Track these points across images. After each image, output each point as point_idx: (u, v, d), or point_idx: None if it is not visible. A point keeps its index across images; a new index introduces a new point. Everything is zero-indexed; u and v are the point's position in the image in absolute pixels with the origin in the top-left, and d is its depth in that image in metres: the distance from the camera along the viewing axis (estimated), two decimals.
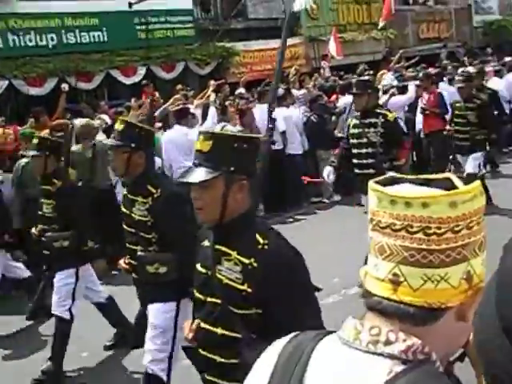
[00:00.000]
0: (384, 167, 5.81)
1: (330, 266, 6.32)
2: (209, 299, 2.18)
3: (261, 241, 2.10)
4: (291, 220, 9.17)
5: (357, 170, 6.19)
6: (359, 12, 18.31)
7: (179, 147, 8.00)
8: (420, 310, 0.97)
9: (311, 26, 16.81)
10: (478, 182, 1.02)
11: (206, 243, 2.25)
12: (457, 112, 8.46)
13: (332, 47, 13.47)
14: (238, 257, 2.11)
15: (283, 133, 9.35)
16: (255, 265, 2.07)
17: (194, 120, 8.58)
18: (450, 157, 8.74)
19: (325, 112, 9.78)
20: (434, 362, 0.97)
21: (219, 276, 2.14)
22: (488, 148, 8.53)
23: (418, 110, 10.09)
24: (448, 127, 8.67)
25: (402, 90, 10.12)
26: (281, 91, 9.85)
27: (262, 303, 2.04)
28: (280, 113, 9.44)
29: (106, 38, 12.90)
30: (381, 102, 9.71)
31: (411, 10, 20.41)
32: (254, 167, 2.27)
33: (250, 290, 2.05)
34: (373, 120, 5.98)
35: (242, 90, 10.94)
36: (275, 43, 15.64)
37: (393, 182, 1.04)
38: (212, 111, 8.84)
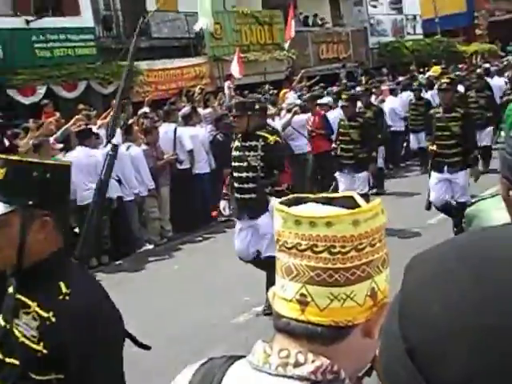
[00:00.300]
0: (265, 192, 5.61)
1: (241, 284, 6.33)
2: (7, 359, 1.76)
3: (63, 290, 1.72)
4: (200, 239, 9.14)
5: (237, 195, 5.92)
6: (261, 33, 18.70)
7: (83, 169, 7.76)
8: (328, 329, 0.97)
9: (215, 46, 16.96)
10: (378, 200, 1.04)
11: (10, 290, 1.82)
12: (341, 130, 8.56)
13: (234, 67, 13.62)
14: (38, 309, 1.73)
15: (190, 152, 9.33)
16: (53, 320, 1.69)
17: (97, 140, 8.37)
18: (336, 174, 8.72)
19: (231, 131, 9.83)
20: (342, 380, 0.98)
21: (16, 332, 1.75)
22: (374, 166, 8.67)
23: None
24: (333, 145, 8.79)
25: (305, 108, 10.37)
26: (187, 110, 9.86)
27: (61, 367, 1.67)
28: (186, 132, 9.45)
29: (1, 56, 12.36)
30: (284, 120, 9.98)
31: (311, 32, 21.11)
32: (62, 200, 1.86)
33: (45, 350, 1.67)
34: (253, 143, 5.67)
35: (146, 109, 10.82)
36: (180, 62, 15.69)
37: (297, 201, 1.04)
38: (116, 131, 8.65)
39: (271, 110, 9.98)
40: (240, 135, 5.90)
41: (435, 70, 16.28)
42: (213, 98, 12.44)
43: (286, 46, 16.12)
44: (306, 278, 0.98)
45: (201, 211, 9.50)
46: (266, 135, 5.73)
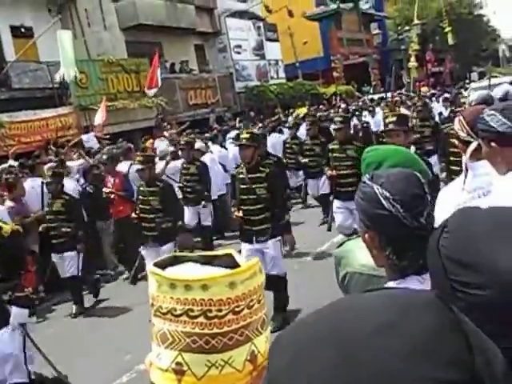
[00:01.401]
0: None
1: (120, 342, 6.11)
2: None
3: None
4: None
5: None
6: (128, 80, 18.62)
7: None
8: None
9: (81, 95, 16.61)
10: (256, 259, 1.01)
11: None
12: (141, 197, 7.41)
13: (98, 116, 13.35)
14: None
15: None
16: None
17: None
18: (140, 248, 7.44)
19: (100, 182, 9.54)
20: None
21: None
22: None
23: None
24: (134, 215, 7.49)
25: (176, 155, 10.20)
26: (53, 164, 9.46)
27: None
28: None
29: None
30: (158, 169, 9.83)
31: (178, 78, 21.39)
32: None
33: None
34: None
35: (11, 163, 10.26)
36: (44, 113, 15.13)
37: (175, 261, 1.00)
38: None
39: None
40: None
41: (302, 111, 17.11)
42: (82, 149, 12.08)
43: (151, 93, 16.12)
44: (181, 345, 0.93)
45: None
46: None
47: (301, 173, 11.94)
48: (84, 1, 20.11)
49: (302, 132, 12.58)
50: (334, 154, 7.57)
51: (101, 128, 13.08)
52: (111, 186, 9.16)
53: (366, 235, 1.65)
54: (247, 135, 6.16)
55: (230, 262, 0.99)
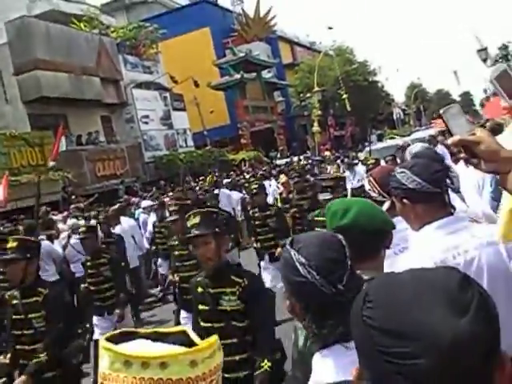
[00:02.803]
0: None
1: None
2: None
3: None
4: None
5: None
6: (32, 154, 18.07)
7: None
8: None
9: None
10: (215, 337, 0.95)
11: None
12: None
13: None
14: None
15: None
16: None
17: None
18: None
19: None
20: None
21: None
22: None
23: None
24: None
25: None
26: None
27: None
28: None
29: None
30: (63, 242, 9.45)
31: (85, 150, 21.00)
32: None
33: None
34: None
35: None
36: None
37: (125, 337, 0.92)
38: None
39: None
40: None
41: (210, 181, 17.16)
42: None
43: (50, 164, 15.61)
44: None
45: None
46: None
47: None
48: None
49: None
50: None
51: (3, 204, 12.49)
52: None
53: (288, 302, 1.59)
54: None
55: (184, 340, 0.92)
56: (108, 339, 0.91)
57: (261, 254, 7.90)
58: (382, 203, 2.41)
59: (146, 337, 0.94)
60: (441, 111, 1.51)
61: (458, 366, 0.75)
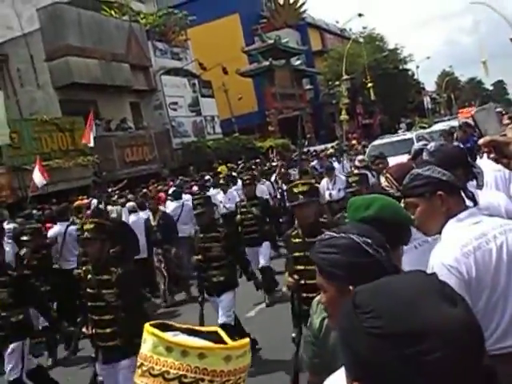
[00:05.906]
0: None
1: None
2: None
3: None
4: None
5: None
6: (63, 139, 18.37)
7: None
8: None
9: (13, 156, 16.21)
10: (247, 340, 1.01)
11: None
12: None
13: (36, 176, 12.97)
14: None
15: None
16: None
17: None
18: None
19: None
20: None
21: None
22: None
23: None
24: None
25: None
26: None
27: None
28: None
29: None
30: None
31: (114, 136, 21.25)
32: None
33: None
34: None
35: None
36: None
37: (166, 328, 0.99)
38: None
39: None
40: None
41: (223, 169, 17.12)
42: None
43: (91, 144, 15.63)
44: None
45: None
46: None
47: None
48: (16, 60, 19.92)
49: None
50: None
51: (35, 188, 12.76)
52: None
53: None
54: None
55: (215, 338, 0.99)
56: (153, 325, 0.98)
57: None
58: (399, 199, 2.42)
59: (182, 331, 1.00)
60: (473, 112, 1.52)
61: (471, 351, 0.79)
